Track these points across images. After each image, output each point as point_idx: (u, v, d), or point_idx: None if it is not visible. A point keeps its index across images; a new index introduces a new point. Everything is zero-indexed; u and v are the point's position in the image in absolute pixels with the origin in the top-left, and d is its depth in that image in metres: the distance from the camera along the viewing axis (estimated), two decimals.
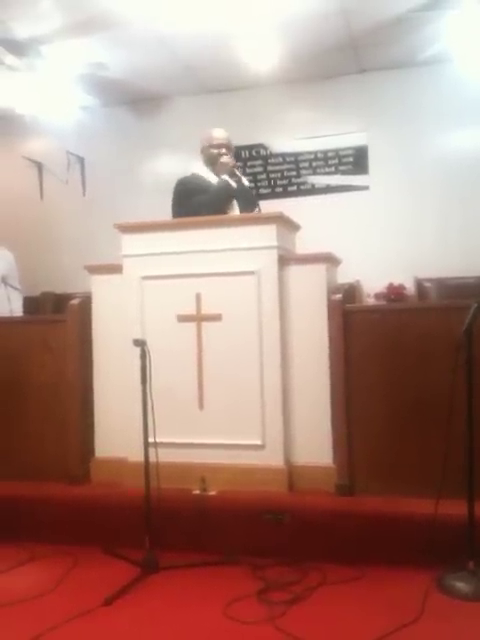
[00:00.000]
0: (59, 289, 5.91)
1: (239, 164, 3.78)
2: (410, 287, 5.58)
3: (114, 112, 6.63)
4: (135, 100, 6.53)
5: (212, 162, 3.84)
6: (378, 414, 2.97)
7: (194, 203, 3.63)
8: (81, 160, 6.73)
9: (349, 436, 2.99)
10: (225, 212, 3.68)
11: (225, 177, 3.74)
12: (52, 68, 5.46)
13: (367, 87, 5.93)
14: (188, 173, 3.89)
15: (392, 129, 5.89)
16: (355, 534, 2.73)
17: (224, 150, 3.85)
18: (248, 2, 4.74)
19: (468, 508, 2.46)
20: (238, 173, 3.79)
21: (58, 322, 3.46)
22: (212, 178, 3.80)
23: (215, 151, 3.85)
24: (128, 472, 3.12)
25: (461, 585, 2.42)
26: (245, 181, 3.91)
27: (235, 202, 3.76)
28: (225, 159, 3.80)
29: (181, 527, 2.92)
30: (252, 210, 3.80)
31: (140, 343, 2.77)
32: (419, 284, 5.40)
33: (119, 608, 2.43)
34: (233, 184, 3.72)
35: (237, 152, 6.35)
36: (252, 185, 6.34)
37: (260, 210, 3.86)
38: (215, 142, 3.89)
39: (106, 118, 6.61)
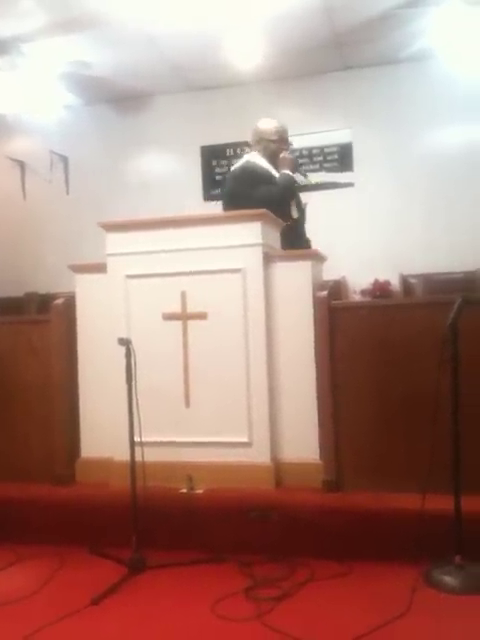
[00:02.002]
0: (43, 289, 5.88)
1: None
2: (396, 283, 5.61)
3: (98, 110, 6.61)
4: (119, 98, 6.52)
5: (272, 155, 3.80)
6: (365, 410, 2.98)
7: (262, 192, 3.59)
8: (65, 159, 6.70)
9: (336, 432, 3.00)
10: (288, 207, 3.72)
11: (288, 172, 3.74)
12: (35, 67, 5.43)
13: (351, 84, 5.96)
14: (244, 162, 3.82)
15: (376, 126, 5.92)
16: (343, 530, 2.73)
17: (284, 145, 3.83)
18: (234, 1, 4.73)
19: (454, 503, 2.47)
20: (301, 169, 3.83)
21: (42, 322, 3.44)
22: (272, 170, 3.77)
23: (275, 145, 3.82)
24: (114, 472, 3.10)
25: (448, 579, 2.43)
26: (311, 178, 3.98)
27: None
28: (288, 155, 3.80)
29: (168, 526, 2.90)
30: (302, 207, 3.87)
31: (125, 342, 2.76)
32: (405, 280, 5.43)
33: (106, 608, 2.41)
34: (297, 180, 3.75)
35: (221, 149, 6.40)
36: None
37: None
38: (276, 136, 3.84)
39: (90, 117, 6.59)
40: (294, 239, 3.61)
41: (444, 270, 5.35)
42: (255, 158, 3.83)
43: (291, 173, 3.77)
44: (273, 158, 3.80)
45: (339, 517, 2.77)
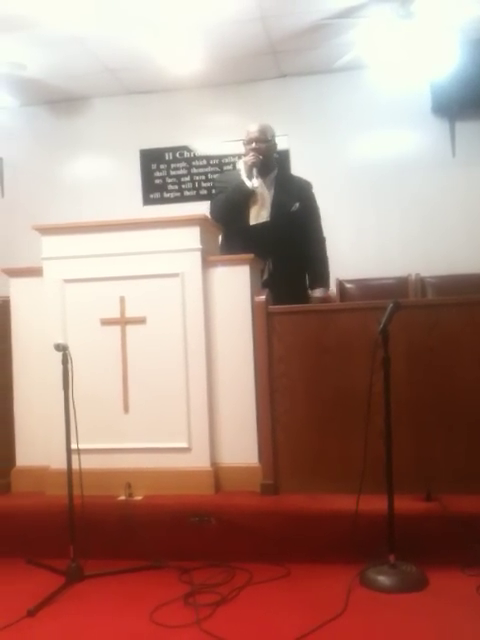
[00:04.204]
0: None
1: (260, 158, 3.73)
2: (333, 288, 5.70)
3: (34, 112, 6.48)
4: (55, 100, 6.41)
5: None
6: (302, 413, 3.02)
7: (212, 203, 3.83)
8: None
9: (274, 435, 3.03)
10: (242, 213, 3.71)
11: (244, 177, 3.76)
12: None
13: (287, 92, 6.04)
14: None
15: (312, 133, 6.01)
16: (280, 532, 2.76)
17: (254, 145, 3.78)
18: (169, 7, 4.73)
19: (388, 503, 2.53)
20: (254, 172, 3.72)
21: None
22: (241, 177, 3.82)
23: (246, 148, 3.82)
24: (51, 480, 3.05)
25: (382, 578, 2.48)
26: (250, 182, 3.76)
27: (261, 203, 3.75)
28: (246, 158, 3.78)
29: (107, 534, 2.87)
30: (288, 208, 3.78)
31: (62, 348, 2.71)
32: (341, 285, 5.52)
33: (43, 619, 2.36)
34: (249, 184, 3.71)
35: (160, 154, 6.37)
36: (176, 187, 6.34)
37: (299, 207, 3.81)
38: (246, 138, 3.84)
39: (26, 118, 6.46)
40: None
41: (377, 275, 5.48)
42: (239, 165, 4.05)
43: (248, 178, 3.74)
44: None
45: (277, 520, 2.80)
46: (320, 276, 3.88)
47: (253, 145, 3.78)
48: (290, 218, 3.77)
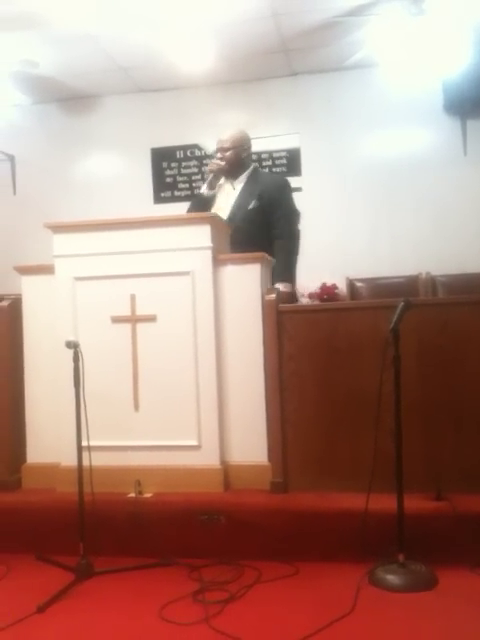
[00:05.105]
0: None
1: (223, 165, 3.85)
2: (343, 287, 5.70)
3: (45, 110, 6.52)
4: (67, 98, 6.44)
5: None
6: (311, 412, 3.02)
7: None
8: (11, 158, 6.58)
9: (283, 434, 3.03)
10: None
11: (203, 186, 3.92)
12: None
13: (298, 90, 6.03)
14: None
15: (323, 132, 6.01)
16: (289, 531, 2.76)
17: (219, 154, 3.86)
18: (181, 5, 4.74)
19: (397, 502, 2.52)
20: (209, 177, 3.87)
21: None
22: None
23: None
24: (61, 477, 3.06)
25: (392, 577, 2.48)
26: (204, 189, 3.92)
27: (217, 207, 3.79)
28: (208, 167, 3.92)
29: (116, 531, 2.88)
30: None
31: (73, 345, 2.72)
32: (351, 284, 5.52)
33: (52, 615, 2.38)
34: (203, 192, 3.88)
35: (171, 152, 6.38)
36: (187, 185, 6.35)
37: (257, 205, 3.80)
38: (216, 147, 3.91)
39: (37, 116, 6.49)
40: None
41: (388, 274, 5.47)
42: None
43: (207, 186, 3.90)
44: None
45: (286, 518, 2.80)
46: (280, 271, 3.73)
47: (218, 154, 3.87)
48: (248, 217, 3.78)
